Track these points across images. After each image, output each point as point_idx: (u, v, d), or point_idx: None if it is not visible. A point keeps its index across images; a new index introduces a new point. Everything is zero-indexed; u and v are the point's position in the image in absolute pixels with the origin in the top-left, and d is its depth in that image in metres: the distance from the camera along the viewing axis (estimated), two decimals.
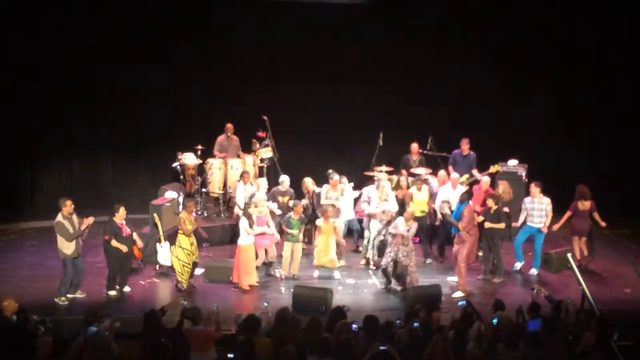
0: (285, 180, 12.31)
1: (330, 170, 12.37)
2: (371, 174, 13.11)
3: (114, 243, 10.31)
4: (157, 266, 11.45)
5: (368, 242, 12.00)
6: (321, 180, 12.52)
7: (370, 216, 11.83)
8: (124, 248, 10.35)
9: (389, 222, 11.43)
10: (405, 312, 9.00)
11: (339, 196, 12.05)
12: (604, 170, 15.31)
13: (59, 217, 10.12)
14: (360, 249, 12.55)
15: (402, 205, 11.97)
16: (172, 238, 11.09)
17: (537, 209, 11.70)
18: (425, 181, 12.43)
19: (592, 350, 7.19)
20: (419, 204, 12.04)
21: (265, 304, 8.81)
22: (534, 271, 11.84)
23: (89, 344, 7.04)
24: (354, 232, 12.78)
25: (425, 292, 10.44)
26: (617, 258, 12.68)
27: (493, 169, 13.07)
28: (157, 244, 11.32)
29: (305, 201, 11.97)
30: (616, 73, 15.19)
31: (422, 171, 13.30)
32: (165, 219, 11.73)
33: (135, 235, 10.70)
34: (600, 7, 14.96)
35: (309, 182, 12.51)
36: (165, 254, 11.16)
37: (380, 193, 11.74)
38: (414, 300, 10.10)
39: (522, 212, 11.87)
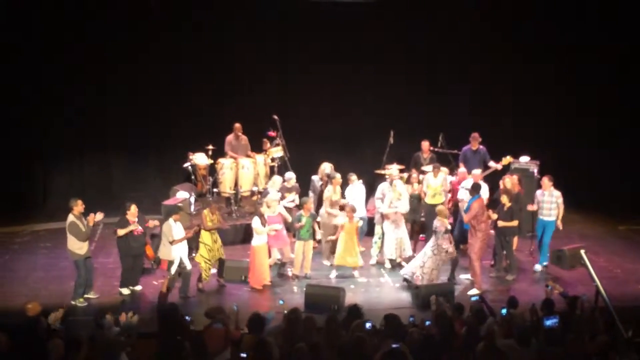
0: (292, 177, 12.38)
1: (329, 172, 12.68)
2: (382, 172, 13.07)
3: (120, 232, 10.33)
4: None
5: (379, 239, 11.97)
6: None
7: (384, 216, 11.81)
8: (134, 226, 10.37)
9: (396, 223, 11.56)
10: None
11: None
12: (618, 167, 15.20)
13: (71, 218, 10.17)
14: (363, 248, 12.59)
15: (419, 199, 12.07)
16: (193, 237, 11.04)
17: (547, 201, 11.70)
18: (438, 167, 12.28)
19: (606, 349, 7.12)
20: (432, 189, 12.04)
21: (282, 301, 8.80)
22: (537, 267, 11.79)
23: (96, 344, 7.03)
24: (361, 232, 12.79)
25: (438, 289, 10.39)
26: (631, 254, 12.63)
27: (505, 160, 13.04)
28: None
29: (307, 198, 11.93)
30: (631, 69, 15.08)
31: None
32: None
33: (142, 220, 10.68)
34: (610, 5, 14.89)
35: (326, 167, 12.61)
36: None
37: (394, 192, 11.73)
38: (426, 298, 10.07)
39: (535, 204, 11.88)
